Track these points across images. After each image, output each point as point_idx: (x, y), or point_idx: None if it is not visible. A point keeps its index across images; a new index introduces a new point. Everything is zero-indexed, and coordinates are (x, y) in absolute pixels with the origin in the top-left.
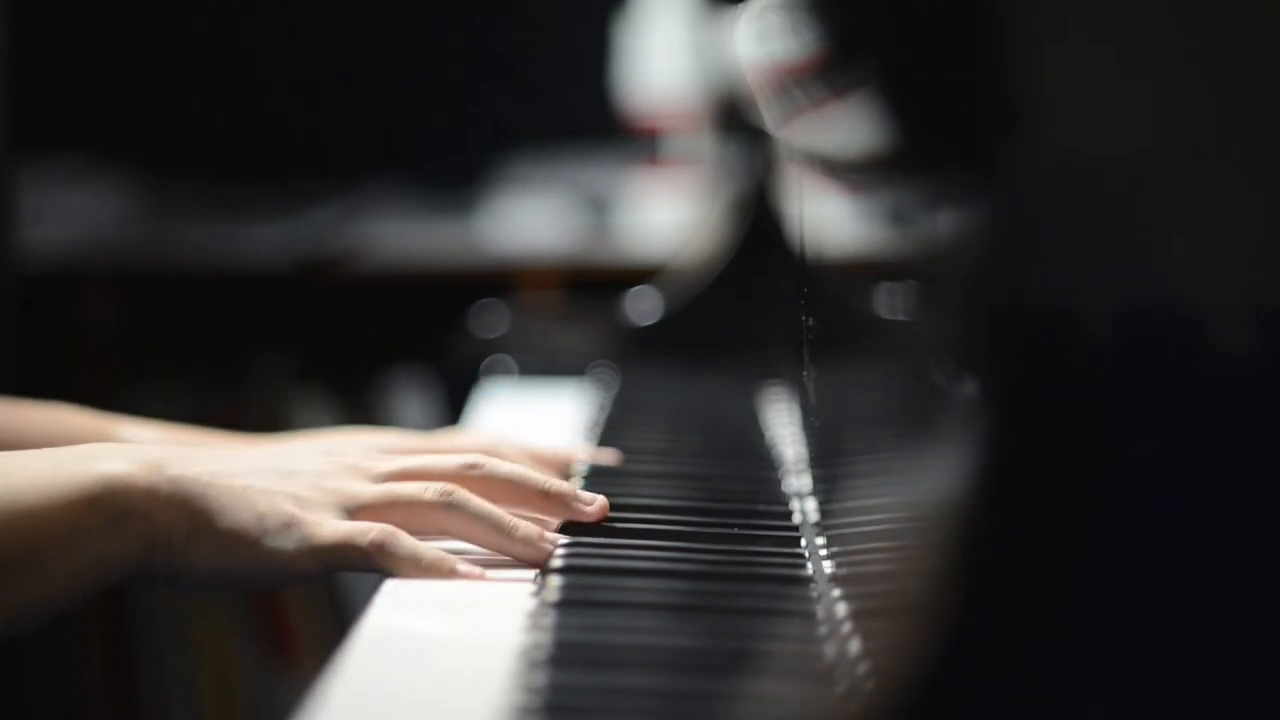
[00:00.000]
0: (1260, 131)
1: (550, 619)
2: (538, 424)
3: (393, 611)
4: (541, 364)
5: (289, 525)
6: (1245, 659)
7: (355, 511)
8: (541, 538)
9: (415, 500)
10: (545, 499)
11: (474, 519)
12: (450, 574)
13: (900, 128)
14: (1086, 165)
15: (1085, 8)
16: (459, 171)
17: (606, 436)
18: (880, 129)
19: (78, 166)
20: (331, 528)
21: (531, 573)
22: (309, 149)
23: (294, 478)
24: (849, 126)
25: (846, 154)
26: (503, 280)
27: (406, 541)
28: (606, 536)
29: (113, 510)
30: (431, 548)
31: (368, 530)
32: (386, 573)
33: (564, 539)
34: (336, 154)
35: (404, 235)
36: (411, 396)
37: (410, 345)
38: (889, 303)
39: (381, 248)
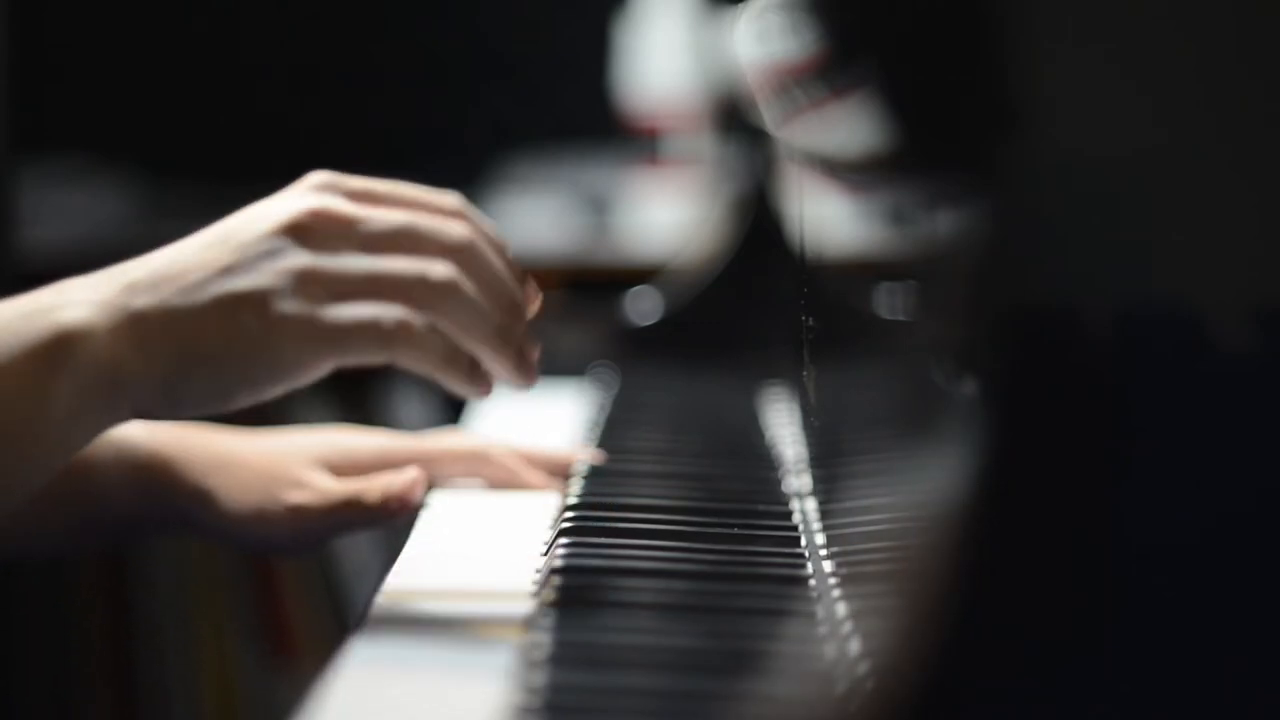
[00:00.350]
0: (1260, 131)
1: (550, 619)
2: (538, 424)
3: (393, 608)
4: (541, 364)
5: (280, 328)
6: (1245, 659)
7: (344, 293)
8: (524, 357)
9: (415, 282)
10: (513, 319)
11: (473, 315)
12: (473, 388)
13: (900, 128)
14: (1086, 165)
15: (1085, 8)
16: (459, 171)
17: (606, 436)
18: (880, 129)
19: (78, 166)
20: (338, 316)
21: (531, 572)
22: (309, 149)
23: (264, 267)
24: (849, 126)
25: (846, 154)
26: None
27: (427, 330)
28: (606, 536)
29: (77, 370)
30: (454, 349)
31: (386, 311)
32: (402, 364)
33: (564, 539)
34: (336, 154)
35: None
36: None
37: None
38: (889, 303)
39: None
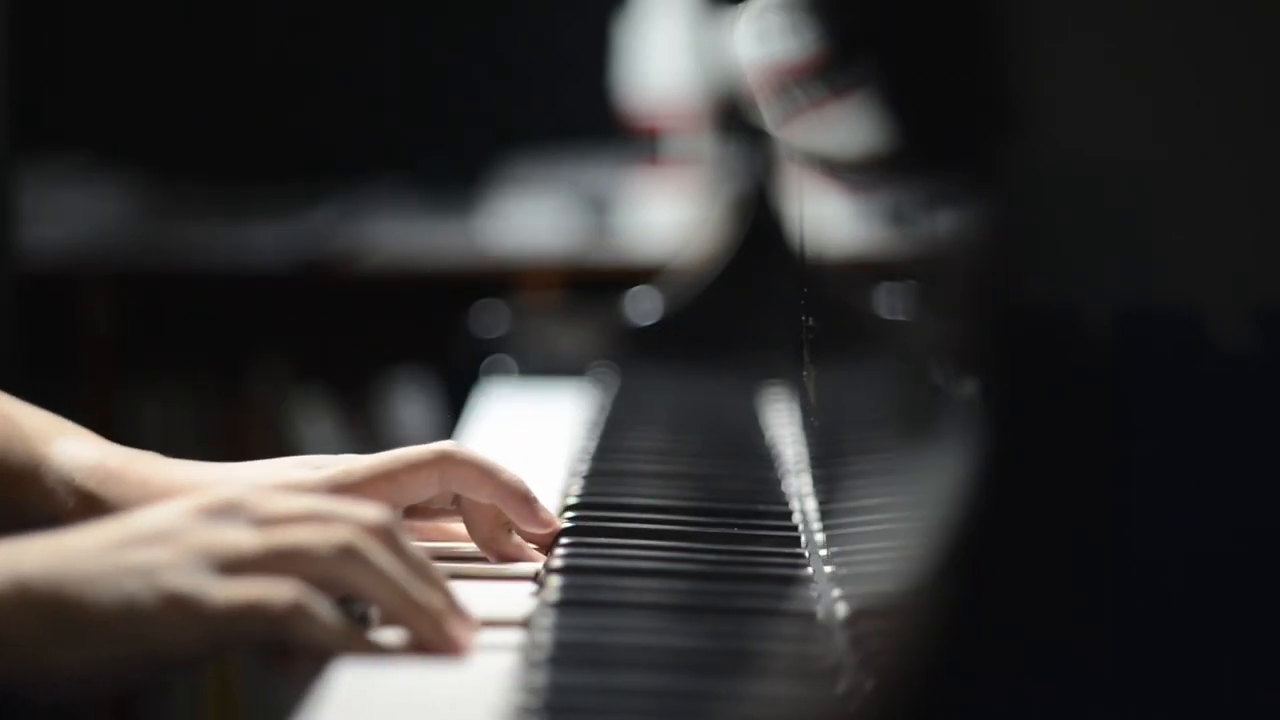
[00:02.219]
0: (1260, 132)
1: (550, 619)
2: (538, 424)
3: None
4: (541, 364)
5: (166, 600)
6: (1245, 659)
7: (234, 569)
8: (451, 616)
9: (306, 552)
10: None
11: (376, 580)
12: (379, 654)
13: (900, 128)
14: (1086, 165)
15: (1085, 8)
16: (459, 171)
17: (606, 436)
18: (880, 129)
19: (78, 166)
20: (221, 593)
21: (532, 572)
22: (309, 149)
23: (162, 541)
24: (849, 126)
25: (846, 154)
26: (503, 280)
27: (324, 606)
28: (606, 536)
29: None
30: (348, 621)
31: (274, 590)
32: (301, 645)
33: (564, 539)
34: (336, 154)
35: (404, 235)
36: (411, 396)
37: (410, 345)
38: (889, 303)
39: (381, 248)
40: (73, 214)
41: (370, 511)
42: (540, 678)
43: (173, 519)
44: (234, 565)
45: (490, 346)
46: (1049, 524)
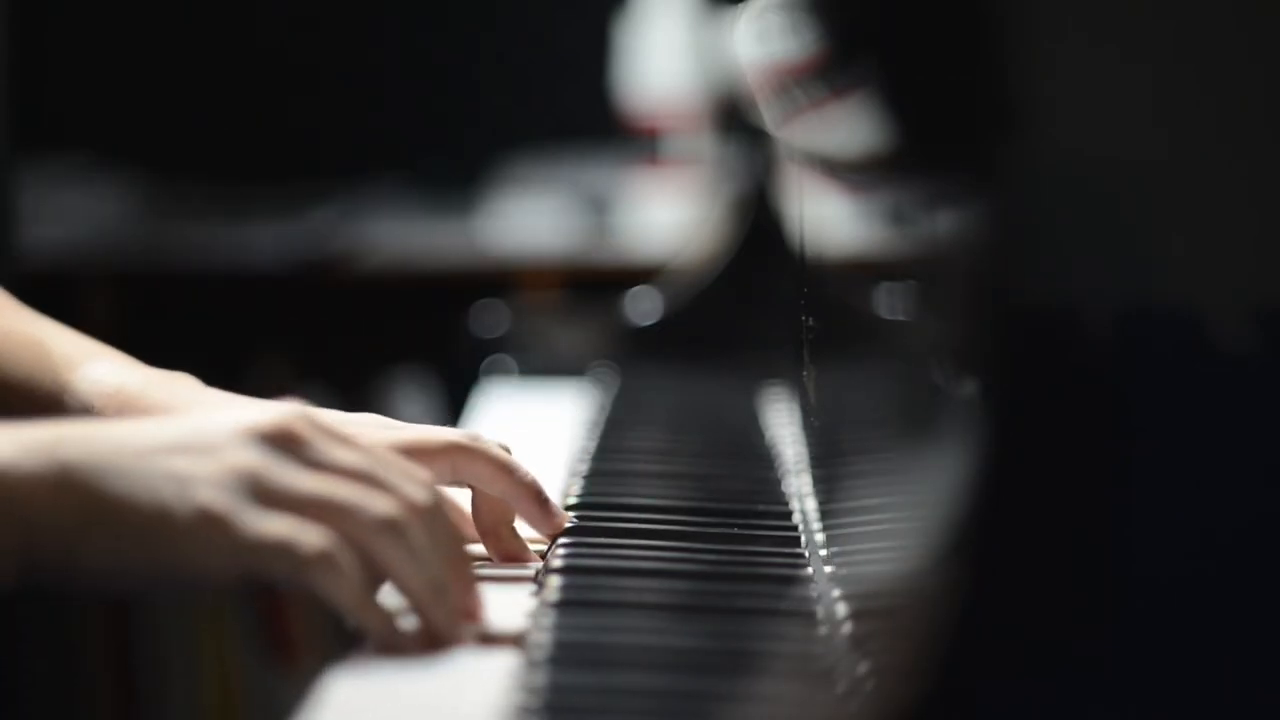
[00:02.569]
0: (1260, 131)
1: (550, 619)
2: (538, 424)
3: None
4: (541, 364)
5: (202, 519)
6: (1246, 659)
7: (275, 503)
8: (463, 619)
9: (355, 511)
10: (464, 587)
11: (409, 563)
12: (386, 635)
13: (900, 128)
14: (1086, 165)
15: (1085, 8)
16: (459, 171)
17: (606, 436)
18: (880, 129)
19: (78, 166)
20: (256, 525)
21: (532, 572)
22: (309, 149)
23: (209, 454)
24: (849, 126)
25: (846, 154)
26: (503, 280)
27: (352, 565)
28: (606, 536)
29: None
30: (373, 589)
31: (308, 536)
32: (317, 594)
33: (564, 539)
34: (336, 154)
35: (404, 235)
36: (411, 396)
37: (410, 345)
38: (889, 303)
39: (381, 248)
40: (73, 214)
41: (421, 489)
42: (540, 678)
43: (224, 434)
44: (275, 500)
45: (490, 346)
46: (1049, 524)
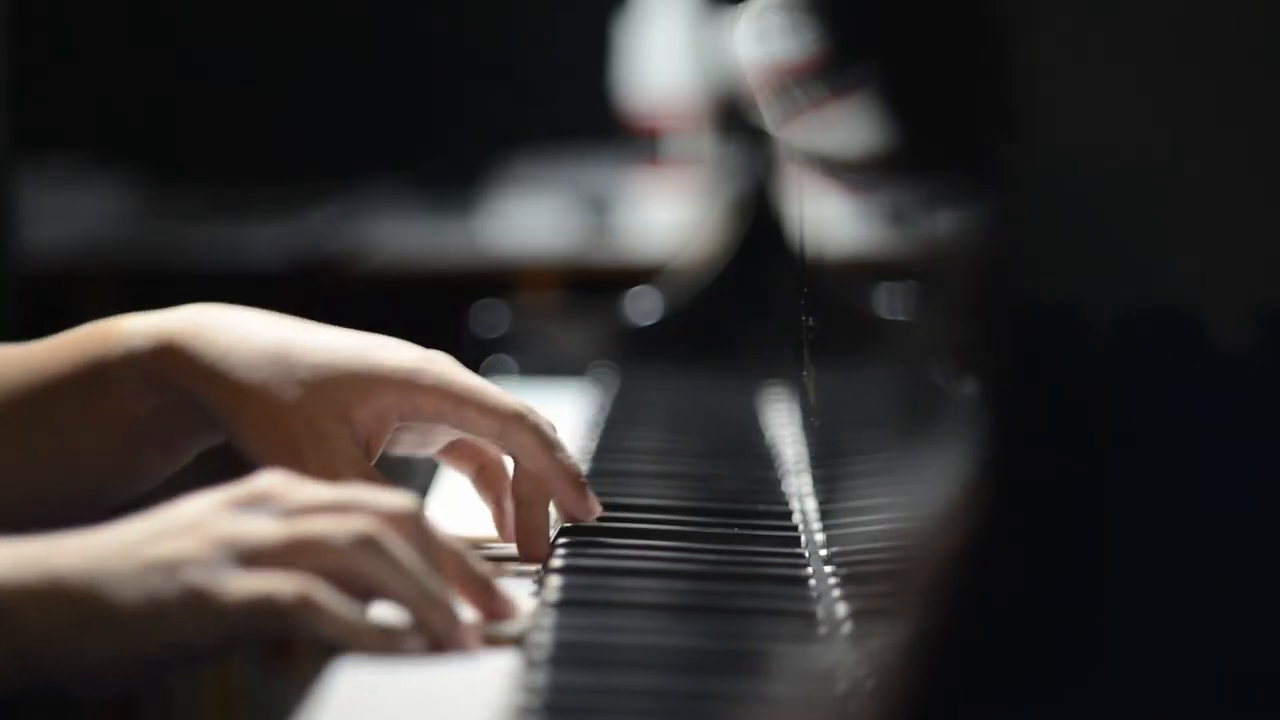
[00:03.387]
0: (1261, 131)
1: (550, 619)
2: None
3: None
4: (541, 364)
5: (185, 597)
6: (1246, 660)
7: (255, 561)
8: (455, 623)
9: (325, 542)
10: (468, 583)
11: (394, 573)
12: (383, 649)
13: (900, 128)
14: (1087, 165)
15: (1085, 8)
16: (459, 171)
17: (606, 436)
18: (880, 129)
19: (78, 166)
20: (235, 588)
21: (532, 571)
22: (309, 149)
23: (187, 533)
24: (849, 126)
25: (846, 154)
26: (503, 280)
27: (332, 599)
28: (606, 536)
29: None
30: (360, 613)
31: (282, 585)
32: (311, 639)
33: (564, 539)
34: (336, 154)
35: (404, 235)
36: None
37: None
38: (889, 303)
39: (381, 248)
40: (73, 214)
41: (395, 500)
42: (540, 678)
43: (201, 510)
44: (253, 556)
45: (490, 346)
46: (1049, 524)
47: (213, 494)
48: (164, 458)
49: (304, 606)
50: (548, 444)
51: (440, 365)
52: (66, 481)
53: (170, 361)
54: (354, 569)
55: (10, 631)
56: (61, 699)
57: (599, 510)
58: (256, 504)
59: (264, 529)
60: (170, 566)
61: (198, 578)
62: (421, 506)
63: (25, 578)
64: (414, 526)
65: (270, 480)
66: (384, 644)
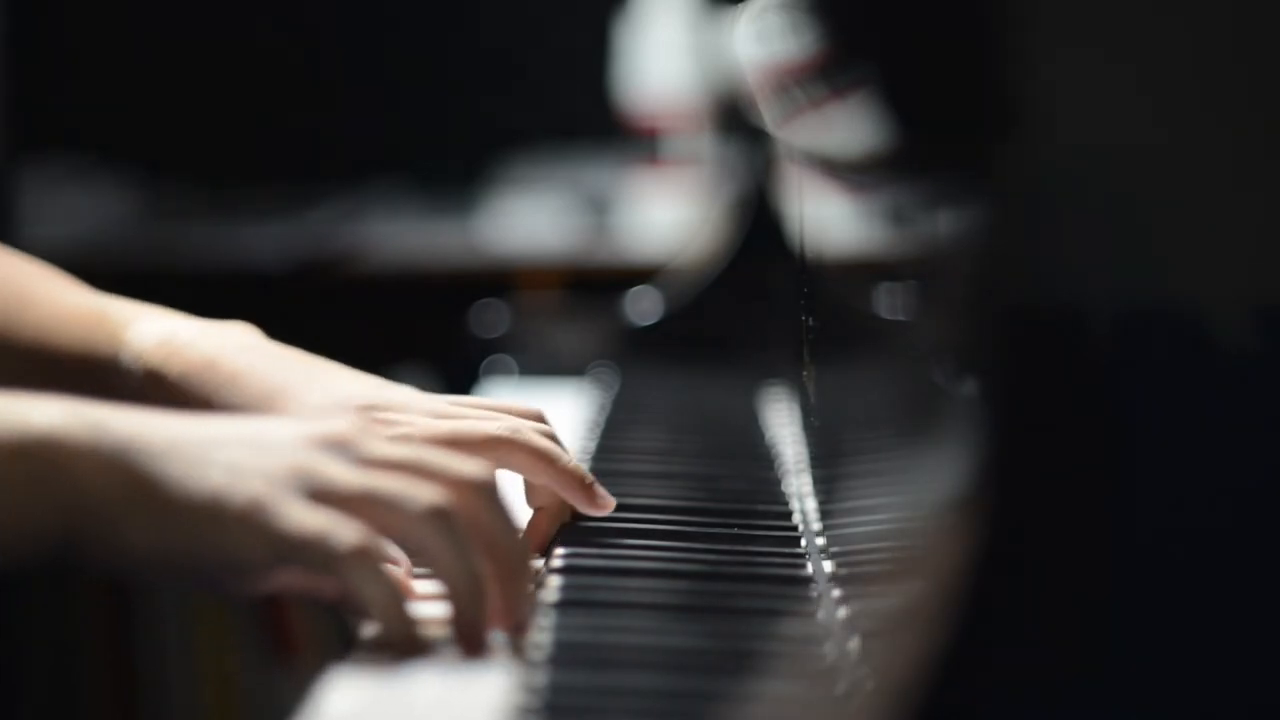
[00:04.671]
0: (1260, 131)
1: (550, 619)
2: None
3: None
4: (541, 364)
5: (248, 507)
6: (1246, 660)
7: (323, 499)
8: (483, 624)
9: (398, 503)
10: (511, 573)
11: (453, 552)
12: (404, 638)
13: (900, 128)
14: (1086, 165)
15: (1085, 7)
16: (459, 171)
17: (606, 436)
18: (880, 129)
19: (78, 166)
20: (298, 517)
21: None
22: (309, 149)
23: (265, 451)
24: (849, 126)
25: (846, 154)
26: (503, 280)
27: (386, 565)
28: (606, 536)
29: (36, 466)
30: (401, 591)
31: (344, 530)
32: (348, 589)
33: (564, 539)
34: (336, 154)
35: (404, 235)
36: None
37: (410, 345)
38: (889, 303)
39: (381, 248)
40: (73, 214)
41: (472, 468)
42: (540, 678)
43: (284, 437)
44: (324, 495)
45: (490, 346)
46: (1049, 524)
47: (300, 423)
48: None
49: (358, 558)
50: (544, 457)
51: (423, 425)
52: None
53: (162, 394)
54: (416, 536)
55: (65, 487)
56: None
57: (613, 502)
58: (337, 447)
59: (341, 473)
60: (239, 472)
61: (265, 492)
62: (494, 478)
63: (90, 437)
64: (487, 498)
65: (354, 426)
66: (406, 632)
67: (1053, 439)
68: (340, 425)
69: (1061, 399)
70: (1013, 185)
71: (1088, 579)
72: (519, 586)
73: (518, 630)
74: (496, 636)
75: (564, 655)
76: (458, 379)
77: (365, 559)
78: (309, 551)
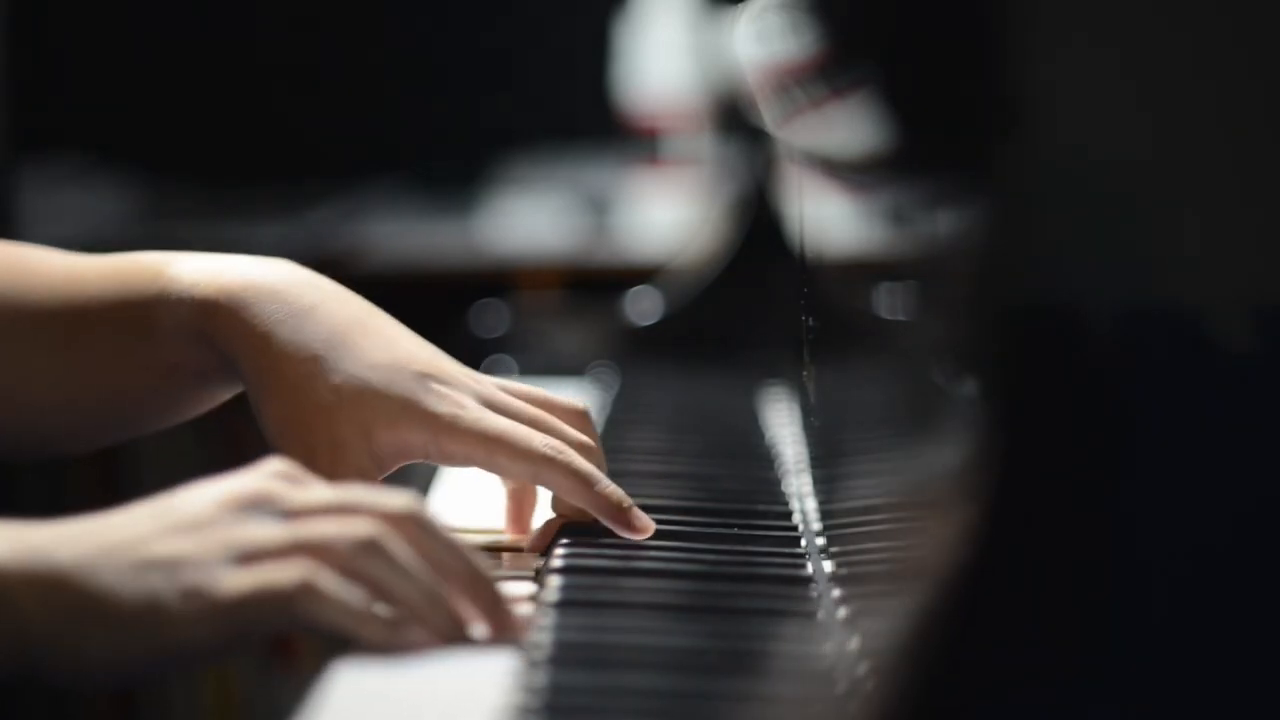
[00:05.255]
0: (1260, 131)
1: (550, 619)
2: None
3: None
4: (541, 364)
5: (187, 597)
6: (1247, 660)
7: (256, 561)
8: (457, 625)
9: (328, 544)
10: (470, 586)
11: (395, 574)
12: (390, 640)
13: (900, 127)
14: (1087, 165)
15: (1085, 8)
16: (459, 171)
17: (607, 436)
18: (880, 129)
19: (78, 166)
20: (234, 583)
21: (532, 571)
22: (309, 149)
23: (189, 532)
24: (849, 126)
25: (846, 154)
26: (503, 280)
27: (334, 583)
28: (607, 536)
29: None
30: (364, 600)
31: (281, 573)
32: (313, 627)
33: (564, 539)
34: (336, 154)
35: (404, 235)
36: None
37: None
38: (889, 303)
39: (381, 248)
40: (73, 214)
41: (396, 501)
42: (540, 678)
43: (203, 509)
44: (254, 557)
45: (490, 346)
46: (1049, 524)
47: (217, 488)
48: (200, 400)
49: (307, 592)
50: (583, 481)
51: (475, 413)
52: (99, 412)
53: (216, 323)
54: (356, 571)
55: (9, 619)
56: (58, 692)
57: (652, 527)
58: (258, 505)
59: (266, 532)
60: (171, 565)
61: (196, 577)
62: (423, 506)
63: (27, 566)
64: (416, 526)
65: (272, 478)
66: (388, 634)
67: (1053, 439)
68: (254, 481)
69: (1061, 399)
70: (1013, 185)
71: (1088, 579)
72: (484, 592)
73: (514, 632)
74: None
75: (564, 655)
76: None
77: (312, 591)
78: (257, 609)
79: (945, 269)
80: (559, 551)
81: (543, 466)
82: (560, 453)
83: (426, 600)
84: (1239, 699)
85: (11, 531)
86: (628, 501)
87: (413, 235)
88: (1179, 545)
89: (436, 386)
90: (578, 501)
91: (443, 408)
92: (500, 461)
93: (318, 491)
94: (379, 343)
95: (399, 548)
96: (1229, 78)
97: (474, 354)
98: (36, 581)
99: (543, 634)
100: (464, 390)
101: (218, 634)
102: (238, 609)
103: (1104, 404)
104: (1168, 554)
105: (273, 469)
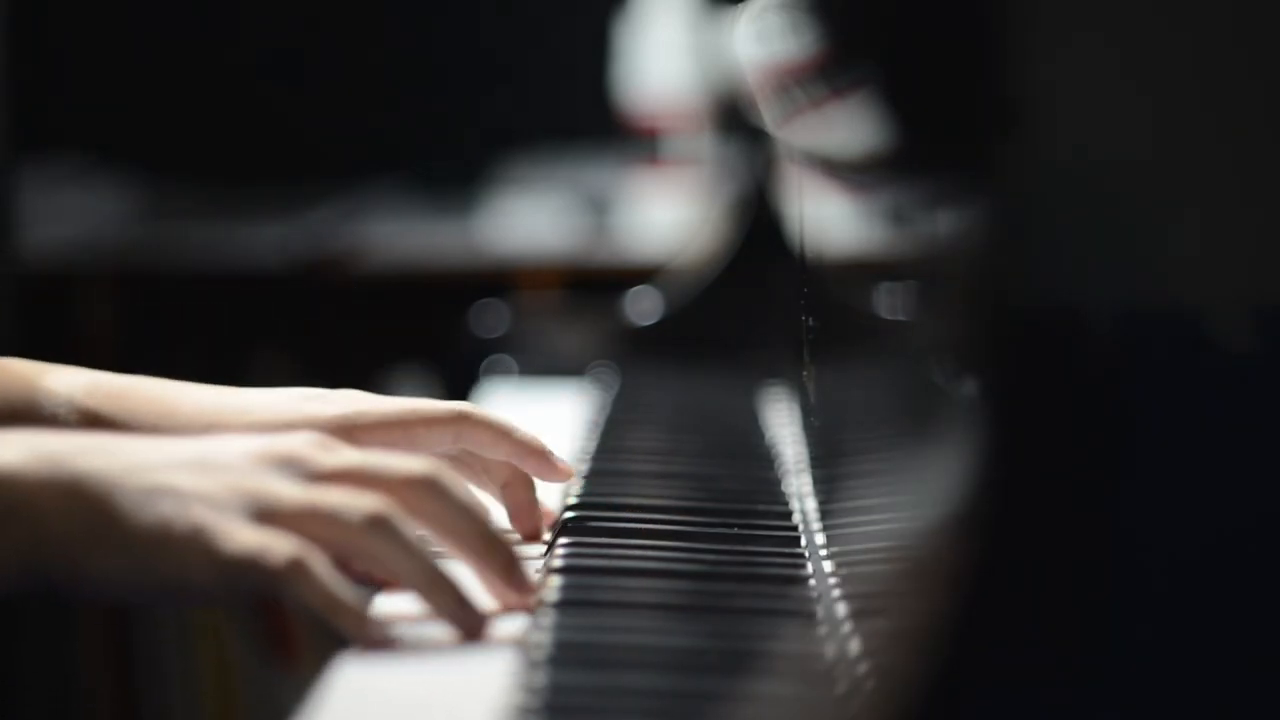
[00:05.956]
0: (1260, 131)
1: (550, 619)
2: (538, 424)
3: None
4: (541, 364)
5: (193, 532)
6: (1247, 660)
7: (268, 518)
8: (464, 607)
9: (336, 516)
10: (485, 550)
11: (400, 554)
12: (362, 634)
13: (900, 128)
14: (1087, 165)
15: (1085, 8)
16: (459, 171)
17: (606, 436)
18: (880, 129)
19: (78, 166)
20: (239, 539)
21: (532, 570)
22: (309, 149)
23: (212, 473)
24: (849, 126)
25: (846, 154)
26: (503, 280)
27: (324, 570)
28: (606, 536)
29: None
30: (348, 591)
31: (278, 546)
32: (295, 603)
33: (564, 539)
34: (336, 154)
35: (404, 235)
36: (412, 396)
37: (410, 345)
38: (889, 303)
39: (381, 248)
40: (73, 214)
41: (417, 465)
42: (540, 678)
43: (232, 456)
44: (267, 514)
45: (490, 346)
46: (1049, 524)
47: (254, 441)
48: None
49: (293, 571)
50: (501, 430)
51: (368, 402)
52: None
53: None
54: (362, 546)
55: (25, 523)
56: (62, 605)
57: (572, 471)
58: (287, 464)
59: (284, 490)
60: (187, 499)
61: (207, 517)
62: (444, 469)
63: (48, 473)
64: (435, 489)
65: (308, 443)
66: (360, 627)
67: (1053, 439)
68: (291, 441)
69: (1061, 399)
70: (1013, 185)
71: (1088, 579)
72: (498, 556)
73: (526, 593)
74: (503, 634)
75: (564, 655)
76: (458, 379)
77: (299, 571)
78: (246, 571)
79: (945, 269)
80: (559, 552)
81: (461, 424)
82: (474, 408)
83: (430, 582)
84: (1239, 699)
85: (35, 439)
86: (547, 447)
87: (413, 235)
88: (1179, 545)
89: (321, 401)
90: (500, 451)
91: (339, 408)
92: (418, 432)
93: (345, 454)
94: (254, 398)
95: (404, 526)
96: (1229, 78)
97: (474, 354)
98: (55, 489)
99: (543, 634)
100: (347, 402)
101: (210, 581)
102: (231, 565)
103: (1104, 404)
104: (1168, 554)
105: (311, 437)
